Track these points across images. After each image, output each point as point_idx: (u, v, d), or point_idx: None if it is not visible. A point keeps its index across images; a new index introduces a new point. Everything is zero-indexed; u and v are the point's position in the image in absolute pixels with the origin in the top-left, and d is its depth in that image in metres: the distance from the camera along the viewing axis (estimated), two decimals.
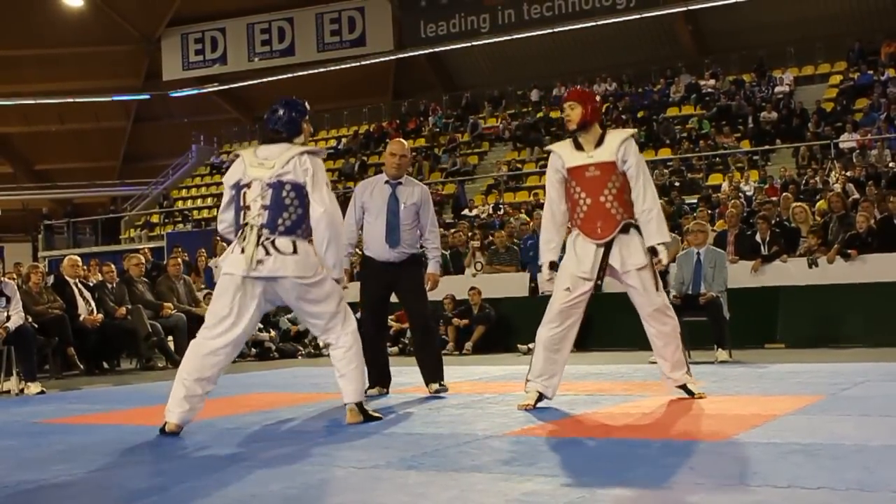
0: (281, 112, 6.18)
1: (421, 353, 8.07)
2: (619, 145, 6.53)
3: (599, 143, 6.59)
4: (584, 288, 6.61)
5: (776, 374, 8.83)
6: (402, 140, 8.55)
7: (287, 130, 6.13)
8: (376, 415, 6.24)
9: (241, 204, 5.95)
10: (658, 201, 6.67)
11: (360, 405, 6.15)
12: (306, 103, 6.33)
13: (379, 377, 8.04)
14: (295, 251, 5.82)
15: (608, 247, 6.55)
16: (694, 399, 6.82)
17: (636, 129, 6.67)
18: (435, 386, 7.79)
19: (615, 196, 6.52)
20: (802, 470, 4.14)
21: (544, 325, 6.67)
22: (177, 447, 5.51)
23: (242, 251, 5.79)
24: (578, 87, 7.19)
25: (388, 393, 8.05)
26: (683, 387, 6.88)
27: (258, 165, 5.96)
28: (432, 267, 8.12)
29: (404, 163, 8.04)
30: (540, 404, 6.58)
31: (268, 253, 5.77)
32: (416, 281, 7.98)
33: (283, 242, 5.81)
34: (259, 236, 5.77)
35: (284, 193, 5.87)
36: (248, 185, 5.94)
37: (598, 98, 7.00)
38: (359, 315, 7.10)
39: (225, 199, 6.18)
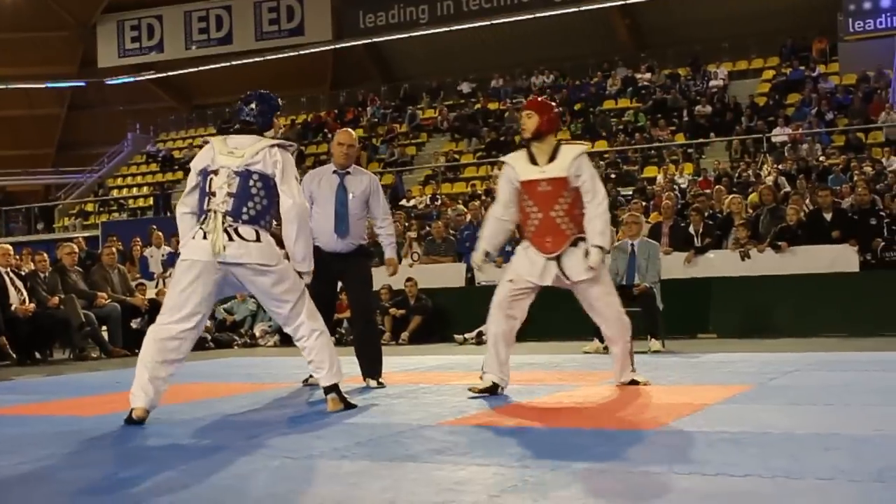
0: (254, 104, 6.23)
1: (363, 347, 8.00)
2: (571, 161, 6.57)
3: (553, 157, 6.62)
4: (525, 285, 6.72)
5: (707, 364, 8.92)
6: (349, 130, 8.47)
7: (258, 122, 6.17)
8: (353, 402, 6.22)
9: (207, 190, 5.91)
10: (608, 215, 6.79)
11: (338, 391, 6.14)
12: (279, 99, 6.37)
13: None
14: (258, 239, 5.81)
15: (558, 260, 6.64)
16: (628, 387, 6.90)
17: (589, 145, 6.74)
18: (373, 382, 7.74)
19: (566, 211, 6.59)
20: (730, 458, 4.19)
21: (490, 319, 6.85)
22: (110, 438, 5.45)
23: (205, 236, 5.75)
24: (537, 98, 7.12)
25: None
26: (631, 382, 7.06)
27: (227, 154, 5.96)
28: (389, 252, 8.08)
29: (352, 152, 7.97)
30: (466, 396, 6.63)
31: (230, 239, 5.75)
32: (363, 272, 7.93)
33: (247, 230, 5.79)
34: (223, 223, 5.74)
35: (251, 183, 5.86)
36: (216, 172, 5.92)
37: (556, 109, 6.97)
38: None
39: (190, 184, 6.15)
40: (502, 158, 7.08)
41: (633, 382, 7.03)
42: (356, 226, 7.77)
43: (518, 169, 6.68)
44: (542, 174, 6.59)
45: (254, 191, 5.86)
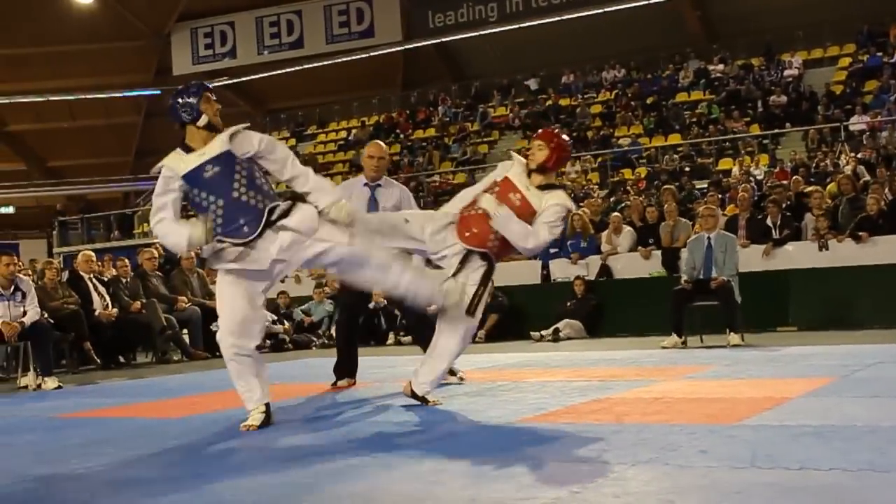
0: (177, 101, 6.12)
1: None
2: (550, 205, 6.21)
3: (544, 190, 6.29)
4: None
5: (788, 357, 8.82)
6: (379, 142, 8.45)
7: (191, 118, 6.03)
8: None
9: None
10: (527, 234, 6.18)
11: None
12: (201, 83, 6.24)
13: (350, 370, 8.08)
14: None
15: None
16: (705, 383, 6.84)
17: (566, 197, 6.07)
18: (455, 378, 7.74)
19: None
20: (814, 452, 4.15)
21: None
22: (191, 440, 5.54)
23: None
24: (555, 131, 6.71)
25: (355, 383, 8.04)
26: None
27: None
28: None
29: (382, 165, 7.95)
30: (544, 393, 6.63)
31: None
32: None
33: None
34: None
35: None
36: None
37: (568, 150, 6.64)
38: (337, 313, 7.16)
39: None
40: (499, 163, 6.76)
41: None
42: None
43: (513, 169, 6.41)
44: (525, 190, 6.26)
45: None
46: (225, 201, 5.70)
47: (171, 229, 5.84)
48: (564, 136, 6.61)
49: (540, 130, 6.79)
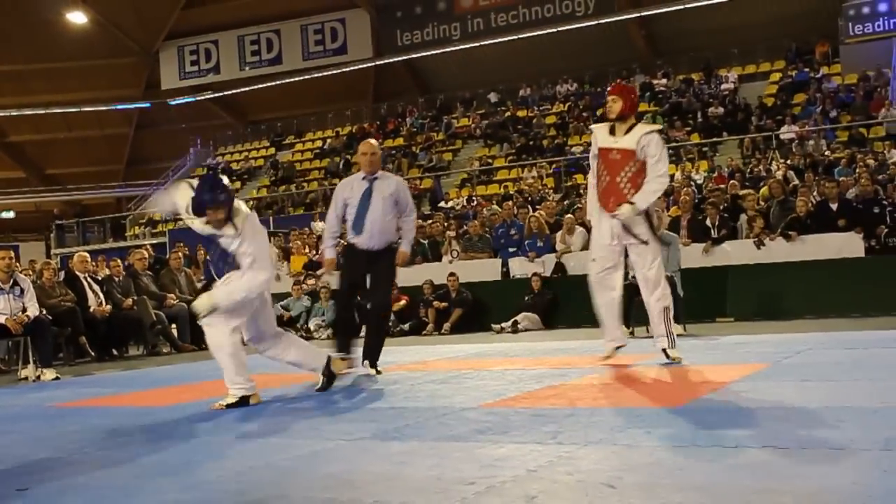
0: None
1: (369, 335, 8.03)
2: (640, 136, 7.01)
3: (628, 132, 7.10)
4: (604, 263, 7.24)
5: (725, 346, 8.87)
6: (370, 140, 8.50)
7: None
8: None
9: None
10: (660, 185, 7.09)
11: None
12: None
13: (346, 343, 8.02)
14: None
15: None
16: (651, 370, 6.87)
17: (661, 126, 7.52)
18: (371, 370, 7.75)
19: (629, 179, 6.99)
20: (749, 431, 4.17)
21: (594, 296, 7.43)
22: (181, 426, 5.51)
23: None
24: (621, 81, 7.69)
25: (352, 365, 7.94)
26: (663, 351, 7.32)
27: None
28: (404, 246, 8.07)
29: (375, 159, 7.97)
30: (504, 381, 6.66)
31: None
32: (386, 269, 7.96)
33: None
34: None
35: None
36: None
37: (636, 92, 7.62)
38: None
39: None
40: (591, 126, 7.75)
41: (664, 353, 7.27)
42: (387, 225, 7.79)
43: (599, 137, 7.22)
44: (615, 144, 7.07)
45: None
46: None
47: None
48: (628, 84, 7.53)
49: (610, 86, 7.70)
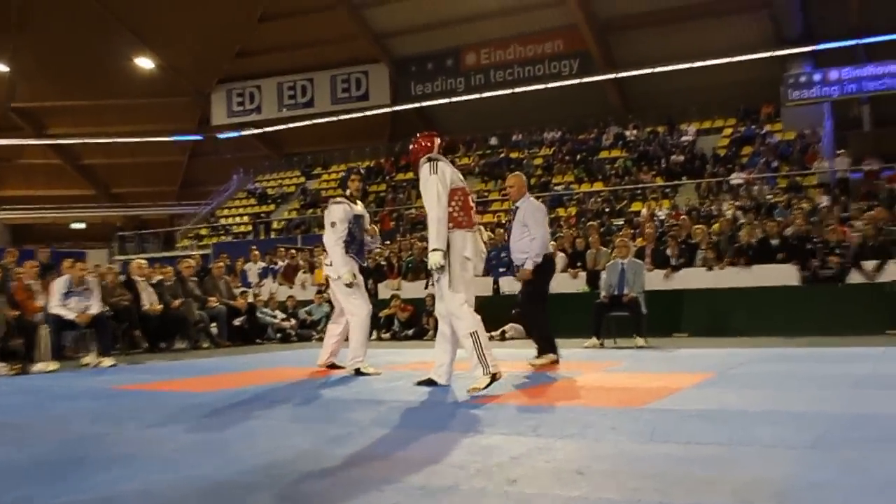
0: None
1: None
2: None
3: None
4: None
5: (680, 357, 8.85)
6: (513, 174, 8.56)
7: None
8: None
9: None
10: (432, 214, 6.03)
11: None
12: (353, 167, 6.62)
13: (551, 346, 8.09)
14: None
15: None
16: (618, 376, 6.84)
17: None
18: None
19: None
20: (698, 430, 4.16)
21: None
22: (217, 409, 5.49)
23: None
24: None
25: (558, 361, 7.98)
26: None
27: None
28: (527, 264, 8.07)
29: (512, 192, 8.21)
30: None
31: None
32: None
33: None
34: None
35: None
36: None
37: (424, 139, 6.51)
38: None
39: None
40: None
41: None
42: (521, 244, 8.12)
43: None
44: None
45: None
46: None
47: None
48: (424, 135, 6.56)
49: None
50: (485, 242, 6.48)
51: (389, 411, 5.13)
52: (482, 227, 6.78)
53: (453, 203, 6.10)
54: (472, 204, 6.32)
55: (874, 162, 22.19)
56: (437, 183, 6.06)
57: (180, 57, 39.69)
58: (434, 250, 5.96)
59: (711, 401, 5.22)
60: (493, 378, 5.84)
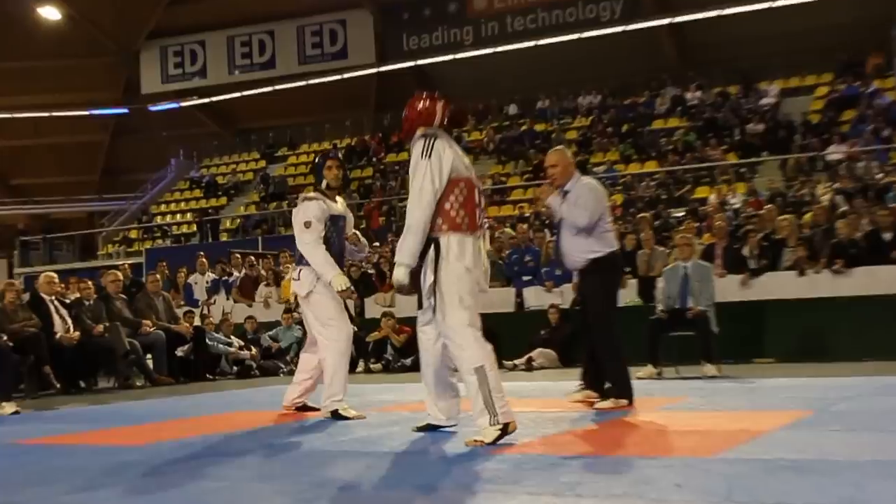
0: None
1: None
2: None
3: None
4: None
5: (764, 389, 8.83)
6: (554, 150, 8.42)
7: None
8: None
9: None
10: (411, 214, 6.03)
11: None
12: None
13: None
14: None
15: None
16: (681, 415, 6.81)
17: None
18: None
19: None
20: (791, 486, 4.14)
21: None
22: (155, 467, 5.47)
23: None
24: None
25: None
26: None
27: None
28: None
29: (556, 174, 8.04)
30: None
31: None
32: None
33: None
34: None
35: None
36: None
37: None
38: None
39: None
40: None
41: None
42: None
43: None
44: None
45: None
46: None
47: None
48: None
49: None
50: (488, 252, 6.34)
51: (378, 465, 5.12)
52: (488, 233, 6.60)
53: (451, 199, 6.01)
54: (480, 200, 6.15)
55: None
56: (427, 170, 6.02)
57: (97, 4, 39.76)
58: (398, 265, 5.89)
59: (807, 447, 5.20)
60: (504, 430, 5.72)
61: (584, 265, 7.90)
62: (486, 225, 6.38)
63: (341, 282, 7.55)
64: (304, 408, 8.21)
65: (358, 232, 8.37)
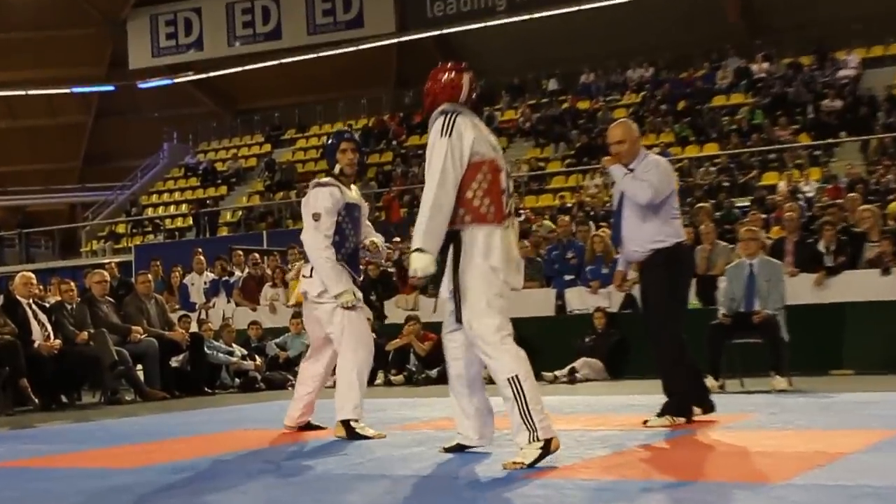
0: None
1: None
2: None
3: None
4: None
5: (843, 405, 8.80)
6: (618, 123, 8.31)
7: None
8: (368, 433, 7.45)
9: None
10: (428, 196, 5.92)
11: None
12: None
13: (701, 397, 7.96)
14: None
15: None
16: (747, 434, 6.79)
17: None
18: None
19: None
20: None
21: None
22: (146, 493, 5.49)
23: None
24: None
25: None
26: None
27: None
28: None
29: (622, 150, 7.84)
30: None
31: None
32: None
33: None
34: None
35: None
36: None
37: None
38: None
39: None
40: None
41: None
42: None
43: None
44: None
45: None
46: None
47: None
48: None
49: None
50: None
51: (400, 491, 5.13)
52: (517, 221, 6.46)
53: (474, 185, 5.94)
54: (506, 186, 6.04)
55: None
56: (447, 150, 5.90)
57: None
58: (416, 250, 5.80)
59: (893, 472, 5.18)
60: (546, 448, 5.68)
61: (645, 256, 7.76)
62: (515, 212, 6.27)
63: (348, 299, 7.52)
64: (308, 426, 8.19)
65: (377, 239, 8.13)
